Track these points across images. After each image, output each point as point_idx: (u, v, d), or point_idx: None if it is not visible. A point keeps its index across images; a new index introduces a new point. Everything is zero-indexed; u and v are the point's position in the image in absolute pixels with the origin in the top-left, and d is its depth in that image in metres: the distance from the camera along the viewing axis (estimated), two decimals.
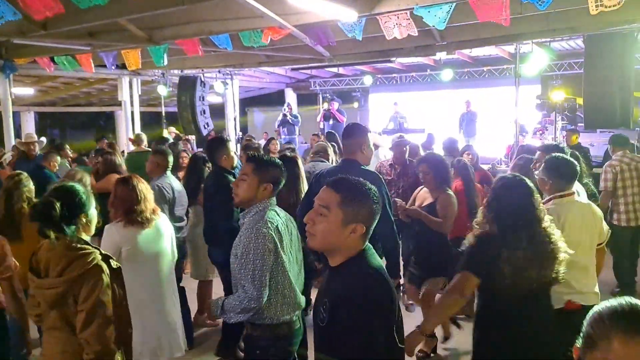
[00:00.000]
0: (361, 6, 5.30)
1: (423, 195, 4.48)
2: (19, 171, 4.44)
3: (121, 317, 2.41)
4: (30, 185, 4.12)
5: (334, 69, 15.27)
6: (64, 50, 7.84)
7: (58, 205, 2.29)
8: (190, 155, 6.53)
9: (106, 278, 2.30)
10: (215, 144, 4.60)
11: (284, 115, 13.93)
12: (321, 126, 15.13)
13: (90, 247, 2.37)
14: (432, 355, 4.49)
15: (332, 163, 5.89)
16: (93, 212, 2.49)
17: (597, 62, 7.17)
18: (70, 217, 2.33)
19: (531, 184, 2.68)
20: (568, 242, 2.67)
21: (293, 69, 14.54)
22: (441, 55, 10.15)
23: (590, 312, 1.26)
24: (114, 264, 2.41)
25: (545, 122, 11.44)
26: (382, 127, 13.77)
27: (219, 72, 12.63)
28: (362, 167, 3.54)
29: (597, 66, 7.19)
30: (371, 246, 1.91)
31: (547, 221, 2.62)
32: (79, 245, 2.34)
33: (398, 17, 5.09)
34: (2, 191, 4.06)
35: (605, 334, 1.18)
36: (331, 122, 14.19)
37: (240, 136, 13.80)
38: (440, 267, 4.22)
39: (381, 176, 3.97)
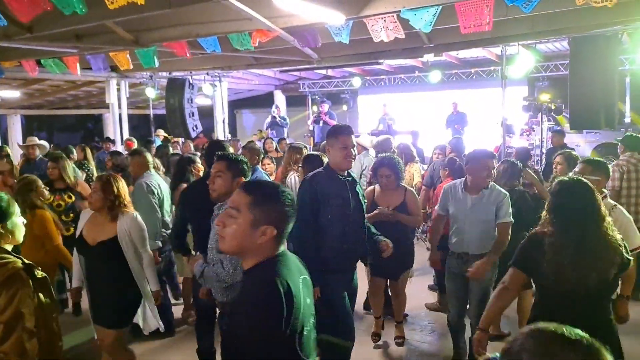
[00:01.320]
0: (348, 9, 5.32)
1: (384, 198, 4.64)
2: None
3: (49, 330, 2.31)
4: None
5: (323, 71, 15.29)
6: (51, 53, 7.79)
7: None
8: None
9: (27, 289, 2.19)
10: (216, 148, 4.49)
11: (273, 117, 13.93)
12: (311, 128, 15.17)
13: (10, 257, 2.28)
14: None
15: None
16: (15, 221, 2.44)
17: (582, 63, 7.25)
18: None
19: (592, 186, 2.70)
20: None
21: (282, 71, 14.54)
22: (429, 57, 10.21)
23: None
24: (38, 273, 2.31)
25: (532, 122, 11.56)
26: (371, 128, 13.83)
27: (208, 74, 12.60)
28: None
29: (582, 68, 7.26)
30: (288, 253, 1.90)
31: (608, 223, 2.62)
32: None
33: (385, 20, 5.12)
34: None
35: None
36: (321, 124, 14.23)
37: (230, 138, 13.77)
38: (409, 260, 4.75)
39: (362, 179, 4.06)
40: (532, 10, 4.52)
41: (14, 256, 2.31)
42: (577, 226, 2.57)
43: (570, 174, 3.98)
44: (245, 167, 3.24)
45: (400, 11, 4.84)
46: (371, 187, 4.88)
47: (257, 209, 1.80)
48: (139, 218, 3.81)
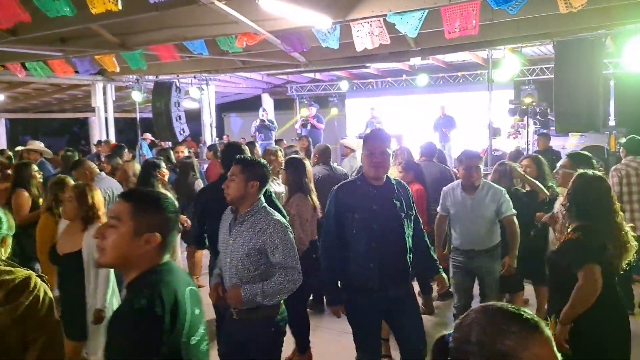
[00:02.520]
0: (335, 13, 5.33)
1: None
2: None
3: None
4: None
5: (311, 75, 15.30)
6: (36, 56, 7.71)
7: None
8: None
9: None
10: (234, 150, 4.23)
11: (262, 120, 13.89)
12: (299, 132, 15.16)
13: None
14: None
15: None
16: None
17: (567, 67, 7.31)
18: None
19: (604, 178, 3.04)
20: None
21: (269, 75, 14.52)
22: (415, 61, 10.25)
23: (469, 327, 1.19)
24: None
25: (518, 126, 11.64)
26: (359, 131, 13.85)
27: (195, 77, 12.54)
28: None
29: (566, 71, 7.33)
30: (173, 263, 1.88)
31: (620, 214, 2.96)
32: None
33: (371, 25, 5.13)
34: None
35: (523, 344, 1.12)
36: (309, 127, 14.22)
37: (217, 141, 13.72)
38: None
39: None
40: (517, 13, 4.56)
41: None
42: (605, 216, 2.88)
43: (557, 168, 4.36)
44: (265, 171, 3.09)
45: (386, 15, 4.86)
46: None
47: (138, 217, 1.75)
48: None
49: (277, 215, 3.04)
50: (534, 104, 10.20)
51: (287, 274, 2.94)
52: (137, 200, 1.80)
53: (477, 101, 13.16)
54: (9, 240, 2.24)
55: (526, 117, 10.21)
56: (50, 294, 2.06)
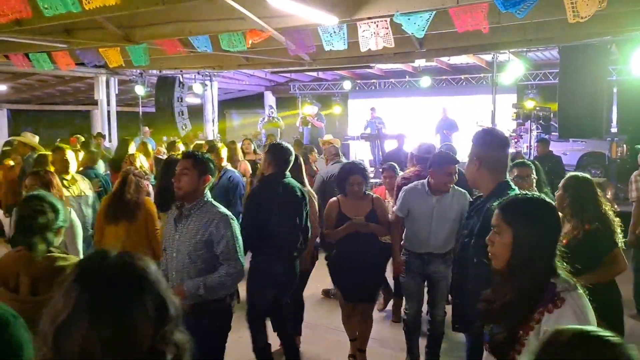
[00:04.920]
0: (341, 12, 5.31)
1: (352, 208, 4.22)
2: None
3: None
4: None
5: (314, 73, 15.29)
6: (40, 47, 7.69)
7: (49, 213, 2.23)
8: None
9: None
10: (280, 150, 4.09)
11: (270, 117, 13.94)
12: (300, 130, 15.17)
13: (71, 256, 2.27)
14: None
15: None
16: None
17: (572, 72, 7.31)
18: (56, 226, 2.25)
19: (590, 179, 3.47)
20: None
21: (273, 72, 14.51)
22: (420, 63, 10.25)
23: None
24: None
25: (520, 130, 11.64)
26: (360, 132, 13.85)
27: (198, 73, 12.54)
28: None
29: (571, 76, 7.33)
30: None
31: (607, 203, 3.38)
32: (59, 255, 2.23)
33: (377, 26, 5.11)
34: None
35: None
36: (310, 126, 14.23)
37: (219, 138, 13.72)
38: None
39: None
40: (524, 17, 4.54)
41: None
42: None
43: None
44: (213, 167, 3.22)
45: (393, 15, 4.84)
46: (334, 199, 4.37)
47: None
48: (73, 214, 3.72)
49: (223, 208, 3.12)
50: (536, 108, 10.20)
51: (229, 266, 2.99)
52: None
53: (480, 104, 13.16)
54: (63, 231, 2.37)
55: (529, 121, 10.20)
56: None
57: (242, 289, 4.05)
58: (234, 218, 3.13)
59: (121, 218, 3.94)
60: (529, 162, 4.37)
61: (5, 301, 2.01)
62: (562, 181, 3.43)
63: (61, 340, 0.94)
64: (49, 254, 2.20)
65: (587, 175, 3.48)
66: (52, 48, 7.73)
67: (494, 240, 1.88)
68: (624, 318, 3.35)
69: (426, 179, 4.15)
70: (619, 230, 3.26)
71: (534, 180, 4.16)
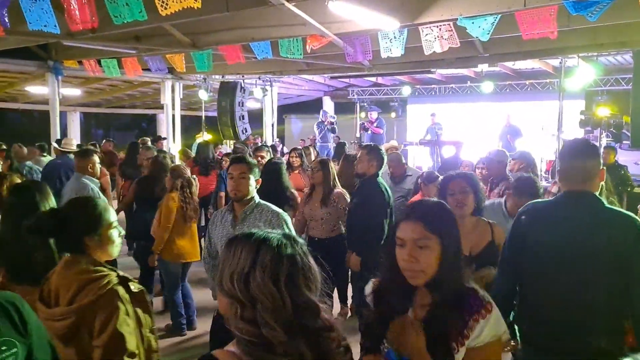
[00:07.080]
0: (403, 16, 5.26)
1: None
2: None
3: (149, 347, 2.08)
4: None
5: (373, 79, 15.23)
6: (110, 53, 8.07)
7: (81, 218, 2.09)
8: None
9: (123, 306, 1.98)
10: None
11: (330, 122, 14.05)
12: (357, 135, 15.15)
13: (105, 270, 2.05)
14: None
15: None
16: (113, 232, 2.17)
17: None
18: (87, 232, 2.08)
19: None
20: None
21: (332, 77, 14.57)
22: (483, 67, 10.00)
23: None
24: (134, 287, 2.09)
25: (588, 138, 11.12)
26: (419, 137, 13.68)
27: (259, 78, 12.76)
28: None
29: None
30: None
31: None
32: (92, 268, 2.03)
33: (440, 29, 5.03)
34: None
35: None
36: (369, 132, 14.17)
37: (278, 142, 13.90)
38: None
39: None
40: (596, 20, 4.35)
41: (109, 269, 2.07)
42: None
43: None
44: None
45: (457, 19, 4.76)
46: None
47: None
48: None
49: (276, 207, 3.33)
50: (607, 115, 9.70)
51: None
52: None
53: (545, 111, 12.68)
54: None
55: (599, 129, 9.72)
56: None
57: None
58: (287, 215, 3.36)
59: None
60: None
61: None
62: None
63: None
64: (85, 266, 2.10)
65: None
66: (122, 54, 8.09)
67: (416, 256, 1.66)
68: None
69: (503, 199, 3.91)
70: None
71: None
